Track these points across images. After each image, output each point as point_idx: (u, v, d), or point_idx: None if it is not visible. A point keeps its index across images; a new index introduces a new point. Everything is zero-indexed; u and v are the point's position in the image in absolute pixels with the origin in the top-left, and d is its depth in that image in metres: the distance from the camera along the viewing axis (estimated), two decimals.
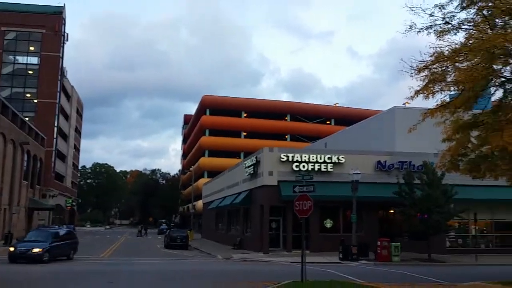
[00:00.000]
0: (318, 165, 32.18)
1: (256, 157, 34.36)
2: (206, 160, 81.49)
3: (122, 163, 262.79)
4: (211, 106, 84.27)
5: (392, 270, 22.95)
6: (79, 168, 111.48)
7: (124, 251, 36.52)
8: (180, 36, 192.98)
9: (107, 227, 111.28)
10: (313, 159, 32.26)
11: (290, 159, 31.99)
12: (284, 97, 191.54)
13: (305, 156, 32.31)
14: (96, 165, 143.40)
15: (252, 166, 34.70)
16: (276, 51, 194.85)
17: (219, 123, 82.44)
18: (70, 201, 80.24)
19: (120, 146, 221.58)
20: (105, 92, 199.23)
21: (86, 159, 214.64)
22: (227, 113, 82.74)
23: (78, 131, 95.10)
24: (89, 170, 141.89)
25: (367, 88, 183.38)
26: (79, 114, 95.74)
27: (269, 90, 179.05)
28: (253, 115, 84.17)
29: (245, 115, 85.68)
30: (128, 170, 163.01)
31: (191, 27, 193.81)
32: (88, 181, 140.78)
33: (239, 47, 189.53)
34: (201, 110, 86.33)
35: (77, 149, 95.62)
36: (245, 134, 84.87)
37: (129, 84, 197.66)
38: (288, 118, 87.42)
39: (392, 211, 33.35)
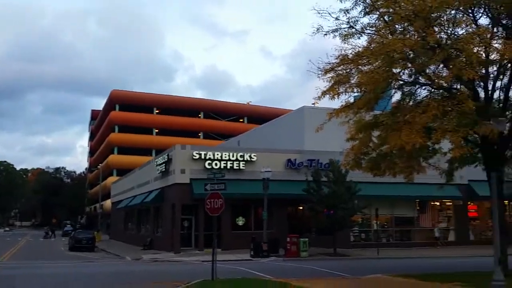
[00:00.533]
0: (231, 163, 32.27)
1: (168, 155, 33.69)
2: (115, 158, 78.46)
3: (24, 160, 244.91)
4: (121, 101, 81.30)
5: (301, 265, 23.59)
6: None
7: (26, 254, 34.26)
8: (89, 28, 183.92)
9: (6, 229, 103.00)
10: (225, 157, 32.30)
11: (203, 156, 31.76)
12: (198, 94, 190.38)
13: (217, 154, 32.25)
14: None
15: (164, 164, 33.98)
16: (191, 48, 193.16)
17: (130, 119, 79.73)
18: None
19: (22, 143, 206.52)
20: (4, 84, 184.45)
21: None
22: (138, 109, 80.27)
23: None
24: None
25: (280, 87, 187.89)
26: None
27: (183, 87, 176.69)
28: (166, 111, 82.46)
29: (157, 111, 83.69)
30: (29, 168, 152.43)
31: (101, 19, 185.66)
32: None
33: (152, 42, 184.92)
34: (110, 106, 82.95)
35: None
36: (157, 131, 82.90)
37: (32, 77, 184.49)
38: (201, 115, 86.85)
39: (301, 207, 34.33)
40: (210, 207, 16.67)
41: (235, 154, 32.63)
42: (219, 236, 30.54)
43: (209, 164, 31.56)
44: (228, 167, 31.83)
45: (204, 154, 31.88)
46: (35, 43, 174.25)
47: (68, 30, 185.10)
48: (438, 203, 36.84)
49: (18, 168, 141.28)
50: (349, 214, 29.12)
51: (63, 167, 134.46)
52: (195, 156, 31.67)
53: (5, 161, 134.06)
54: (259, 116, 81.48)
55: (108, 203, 66.92)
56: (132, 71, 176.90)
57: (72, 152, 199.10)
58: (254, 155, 32.84)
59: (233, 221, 32.61)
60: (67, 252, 36.46)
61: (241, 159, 32.58)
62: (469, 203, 36.51)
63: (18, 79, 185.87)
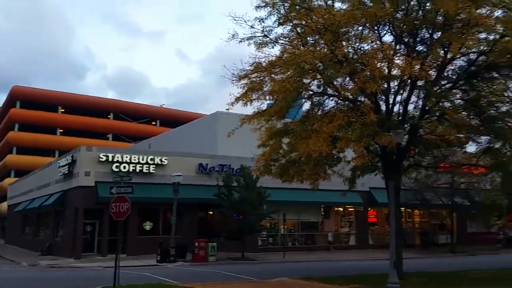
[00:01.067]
0: (140, 166, 31.31)
1: (72, 156, 31.91)
2: (13, 158, 72.83)
3: None
4: (23, 98, 75.67)
5: (208, 269, 23.52)
6: None
7: None
8: None
9: None
10: (135, 160, 31.26)
11: (110, 159, 30.46)
12: (110, 95, 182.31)
13: (126, 157, 31.12)
14: None
15: (67, 166, 32.12)
16: (103, 46, 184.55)
17: (32, 118, 74.40)
18: None
19: None
20: None
21: None
22: (42, 107, 75.22)
23: None
24: None
25: (195, 91, 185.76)
26: None
27: (94, 86, 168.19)
28: (72, 111, 78.07)
29: (62, 110, 78.96)
30: None
31: (3, 11, 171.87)
32: None
33: (61, 38, 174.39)
34: (10, 102, 76.89)
35: None
36: (61, 131, 78.10)
37: None
38: (111, 116, 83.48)
39: (211, 212, 34.25)
40: (115, 211, 16.02)
41: (145, 157, 31.72)
42: (125, 241, 29.51)
43: (116, 167, 30.35)
44: (138, 170, 30.86)
45: (112, 156, 30.60)
46: None
47: None
48: (341, 209, 38.64)
49: None
50: (259, 219, 29.58)
51: None
52: (102, 158, 30.31)
53: None
54: (172, 120, 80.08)
55: (4, 205, 62.02)
56: (39, 68, 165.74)
57: None
58: (165, 159, 32.19)
59: (140, 226, 31.65)
60: None
61: (152, 162, 31.77)
62: (369, 209, 38.68)
63: None
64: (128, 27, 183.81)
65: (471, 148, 23.19)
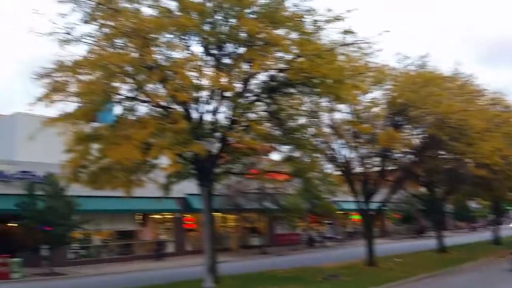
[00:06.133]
0: None
1: None
2: None
3: None
4: None
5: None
6: None
7: None
8: None
9: None
10: None
11: None
12: None
13: None
14: None
15: None
16: None
17: None
18: None
19: None
20: None
21: None
22: None
23: None
24: None
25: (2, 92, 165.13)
26: None
27: None
28: None
29: None
30: None
31: None
32: None
33: None
34: None
35: None
36: None
37: None
38: None
39: (14, 224, 30.82)
40: None
41: None
42: None
43: None
44: None
45: None
46: None
47: None
48: (159, 216, 38.41)
49: None
50: (68, 230, 27.60)
51: None
52: None
53: None
54: None
55: None
56: None
57: None
58: None
59: None
60: None
61: None
62: (186, 215, 39.23)
63: None
64: None
65: (276, 156, 25.39)
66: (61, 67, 14.95)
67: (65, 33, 14.91)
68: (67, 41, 14.97)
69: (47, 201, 26.55)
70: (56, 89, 15.32)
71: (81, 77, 15.10)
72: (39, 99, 15.77)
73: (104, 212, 32.06)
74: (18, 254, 27.45)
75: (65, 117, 16.25)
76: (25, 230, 27.37)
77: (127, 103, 17.18)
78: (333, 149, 25.25)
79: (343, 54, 18.11)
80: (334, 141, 25.24)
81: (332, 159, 25.38)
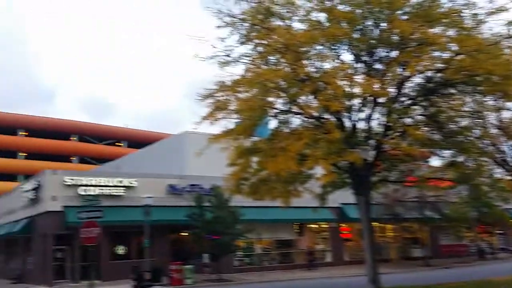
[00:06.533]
0: (108, 189, 30.78)
1: (37, 181, 31.28)
2: None
3: None
4: None
5: None
6: None
7: None
8: None
9: None
10: (102, 182, 30.76)
11: (76, 182, 29.93)
12: (82, 118, 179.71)
13: (93, 180, 30.61)
14: None
15: (33, 191, 31.42)
16: (71, 72, 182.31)
17: None
18: None
19: None
20: None
21: None
22: (0, 130, 73.31)
23: None
24: None
25: (170, 113, 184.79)
26: None
27: (64, 112, 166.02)
28: (34, 134, 76.29)
29: (23, 133, 77.11)
30: None
31: None
32: None
33: (30, 64, 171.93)
34: None
35: None
36: (24, 154, 76.19)
37: None
38: (75, 138, 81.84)
39: (185, 234, 33.93)
40: (85, 237, 15.81)
41: (113, 180, 31.27)
42: (98, 266, 28.92)
43: (84, 190, 29.71)
44: (106, 193, 30.28)
45: (78, 179, 30.11)
46: None
47: None
48: (315, 226, 38.78)
49: None
50: (233, 239, 29.43)
51: None
52: (67, 181, 29.74)
53: None
54: (138, 140, 79.05)
55: None
56: (8, 93, 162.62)
57: None
58: (135, 180, 31.82)
59: (113, 250, 31.11)
60: None
61: (120, 184, 31.33)
62: (342, 225, 38.92)
63: None
64: (99, 52, 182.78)
65: (436, 162, 23.78)
66: (222, 87, 16.18)
67: (225, 55, 16.15)
68: (226, 63, 16.18)
69: (214, 212, 28.73)
70: (219, 107, 16.58)
71: (240, 95, 16.14)
72: (204, 118, 17.21)
73: (264, 222, 33.48)
74: (190, 261, 30.07)
75: (228, 133, 17.47)
76: (195, 239, 29.99)
77: (282, 116, 17.82)
78: (502, 152, 22.86)
79: (509, 47, 16.38)
80: (503, 143, 22.84)
81: (502, 163, 22.96)
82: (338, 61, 16.66)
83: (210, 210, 28.99)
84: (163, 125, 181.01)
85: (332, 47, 16.48)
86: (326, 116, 17.34)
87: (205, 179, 32.36)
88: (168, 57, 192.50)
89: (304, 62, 15.61)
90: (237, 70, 17.12)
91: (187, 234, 32.55)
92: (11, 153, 73.90)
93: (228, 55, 16.24)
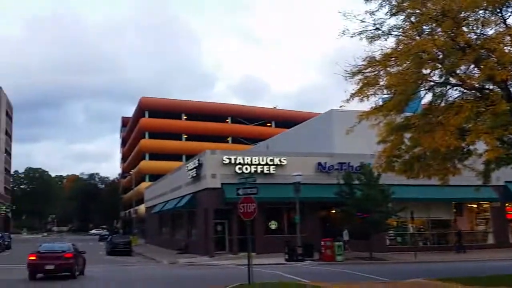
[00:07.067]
0: (261, 167, 32.41)
1: (198, 160, 34.16)
2: (147, 164, 79.95)
3: (61, 168, 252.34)
4: (150, 108, 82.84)
5: (337, 269, 23.48)
6: (12, 173, 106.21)
7: None
8: (129, 39, 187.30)
9: (44, 234, 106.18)
10: (255, 161, 32.46)
11: (233, 161, 32.04)
12: (235, 101, 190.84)
13: (247, 158, 32.45)
14: (29, 170, 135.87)
15: (195, 169, 34.46)
16: (227, 56, 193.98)
17: (159, 126, 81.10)
18: (4, 207, 76.17)
19: (62, 151, 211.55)
20: (47, 95, 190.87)
21: (21, 163, 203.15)
22: (167, 115, 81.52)
23: (8, 134, 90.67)
24: (22, 175, 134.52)
25: (315, 92, 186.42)
26: (9, 116, 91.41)
27: (221, 95, 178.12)
28: (194, 117, 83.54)
29: (185, 117, 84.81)
30: (65, 174, 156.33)
31: (140, 30, 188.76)
32: (21, 186, 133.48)
33: (192, 52, 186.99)
34: (139, 113, 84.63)
35: (8, 153, 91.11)
36: (186, 136, 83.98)
37: (72, 87, 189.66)
38: (229, 120, 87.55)
39: (334, 211, 34.17)
40: (243, 212, 16.82)
41: (265, 158, 32.77)
42: (253, 240, 30.66)
43: (239, 168, 31.79)
44: (259, 171, 31.95)
45: (234, 158, 32.16)
46: (75, 54, 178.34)
47: (108, 40, 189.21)
48: (475, 205, 35.96)
49: (53, 175, 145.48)
50: (384, 217, 28.79)
51: (97, 173, 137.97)
52: (225, 160, 31.99)
53: (40, 168, 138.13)
54: (286, 120, 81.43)
55: (142, 208, 68.22)
56: (171, 80, 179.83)
57: (109, 159, 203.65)
58: (284, 159, 32.90)
59: (266, 225, 32.72)
60: (105, 257, 37.18)
61: (271, 163, 32.69)
62: (506, 204, 35.46)
63: (58, 90, 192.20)
64: (251, 37, 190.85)
65: None
66: (372, 62, 15.68)
67: (374, 29, 15.58)
68: (375, 37, 15.58)
69: (363, 190, 28.36)
70: (368, 83, 16.13)
71: (391, 70, 15.49)
72: (353, 95, 16.90)
73: (417, 201, 32.09)
74: (339, 238, 30.21)
75: (377, 110, 16.94)
76: (344, 217, 29.99)
77: (438, 89, 16.67)
78: None
79: None
80: None
81: None
82: (504, 25, 14.93)
83: (360, 188, 28.68)
84: (310, 104, 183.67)
85: (496, 11, 14.82)
86: (490, 86, 15.78)
87: (354, 157, 32.08)
88: (315, 35, 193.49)
89: (464, 29, 14.31)
90: (388, 44, 16.21)
91: (336, 211, 32.77)
92: (176, 136, 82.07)
93: (377, 29, 15.63)
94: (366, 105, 17.41)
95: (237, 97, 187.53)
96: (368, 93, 16.53)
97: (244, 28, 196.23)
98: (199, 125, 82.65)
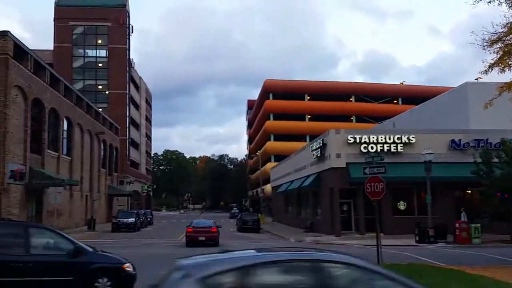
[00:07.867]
0: (388, 146, 31.41)
1: (322, 140, 34.13)
2: (272, 144, 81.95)
3: (195, 149, 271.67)
4: (274, 90, 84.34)
5: (473, 252, 22.13)
6: (152, 155, 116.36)
7: None
8: (254, 24, 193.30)
9: (181, 211, 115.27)
10: (381, 140, 31.53)
11: (358, 140, 31.48)
12: (360, 79, 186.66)
13: (373, 137, 31.65)
14: (167, 152, 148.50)
15: (319, 149, 34.51)
16: (352, 34, 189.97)
17: (283, 107, 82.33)
18: (146, 187, 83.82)
19: (195, 134, 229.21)
20: (182, 82, 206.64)
21: (159, 146, 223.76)
22: (290, 96, 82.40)
23: (148, 120, 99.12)
24: (161, 157, 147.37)
25: (447, 65, 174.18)
26: (148, 103, 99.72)
27: (345, 73, 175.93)
28: (317, 97, 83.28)
29: (308, 98, 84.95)
30: (198, 156, 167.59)
31: (264, 14, 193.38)
32: (160, 167, 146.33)
33: (314, 32, 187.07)
34: (264, 95, 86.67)
35: (148, 137, 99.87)
36: (309, 117, 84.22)
37: (202, 74, 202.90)
38: (352, 99, 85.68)
39: (469, 191, 31.91)
40: (370, 191, 16.49)
41: (391, 137, 31.64)
42: (380, 220, 30.00)
43: (364, 147, 31.17)
44: (385, 150, 31.03)
45: (359, 138, 31.58)
46: (207, 43, 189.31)
47: (236, 27, 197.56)
48: None
49: (188, 157, 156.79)
50: None
51: (226, 155, 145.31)
52: (350, 140, 31.54)
53: (176, 151, 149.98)
54: (413, 97, 77.36)
55: (268, 187, 70.39)
56: (297, 62, 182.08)
57: (237, 140, 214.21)
58: (413, 137, 31.44)
59: (394, 205, 31.77)
60: (236, 233, 39.27)
61: (399, 141, 31.48)
62: None
63: (193, 77, 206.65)
64: (374, 11, 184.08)
65: None
66: None
67: None
68: None
69: (504, 168, 25.98)
70: (509, 52, 14.59)
71: None
72: (491, 66, 15.43)
73: None
74: (476, 220, 28.15)
75: None
76: (481, 197, 27.82)
77: None
78: None
79: None
80: None
81: None
82: None
83: (500, 166, 26.30)
84: (440, 79, 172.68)
85: None
86: None
87: (492, 133, 29.54)
88: (445, 2, 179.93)
89: None
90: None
91: (471, 192, 30.58)
92: (300, 116, 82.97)
93: None
94: (506, 76, 15.82)
95: (362, 75, 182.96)
96: (510, 63, 14.99)
97: (367, 1, 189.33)
98: (322, 105, 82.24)
